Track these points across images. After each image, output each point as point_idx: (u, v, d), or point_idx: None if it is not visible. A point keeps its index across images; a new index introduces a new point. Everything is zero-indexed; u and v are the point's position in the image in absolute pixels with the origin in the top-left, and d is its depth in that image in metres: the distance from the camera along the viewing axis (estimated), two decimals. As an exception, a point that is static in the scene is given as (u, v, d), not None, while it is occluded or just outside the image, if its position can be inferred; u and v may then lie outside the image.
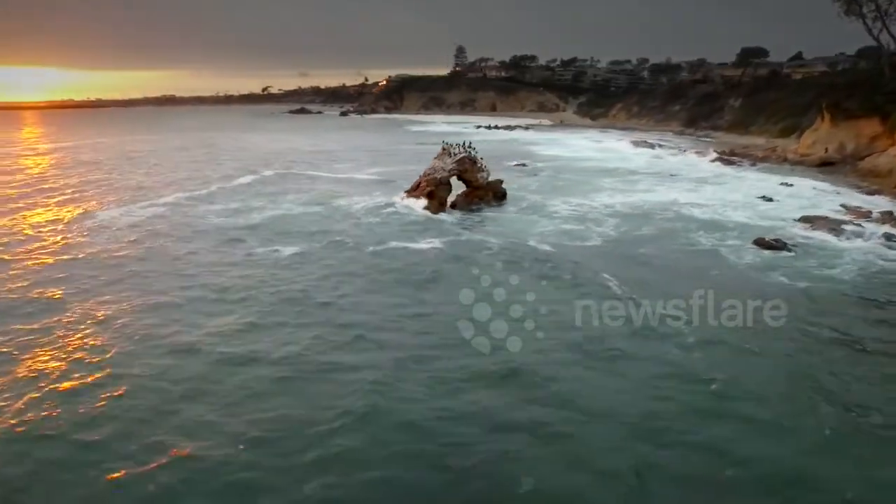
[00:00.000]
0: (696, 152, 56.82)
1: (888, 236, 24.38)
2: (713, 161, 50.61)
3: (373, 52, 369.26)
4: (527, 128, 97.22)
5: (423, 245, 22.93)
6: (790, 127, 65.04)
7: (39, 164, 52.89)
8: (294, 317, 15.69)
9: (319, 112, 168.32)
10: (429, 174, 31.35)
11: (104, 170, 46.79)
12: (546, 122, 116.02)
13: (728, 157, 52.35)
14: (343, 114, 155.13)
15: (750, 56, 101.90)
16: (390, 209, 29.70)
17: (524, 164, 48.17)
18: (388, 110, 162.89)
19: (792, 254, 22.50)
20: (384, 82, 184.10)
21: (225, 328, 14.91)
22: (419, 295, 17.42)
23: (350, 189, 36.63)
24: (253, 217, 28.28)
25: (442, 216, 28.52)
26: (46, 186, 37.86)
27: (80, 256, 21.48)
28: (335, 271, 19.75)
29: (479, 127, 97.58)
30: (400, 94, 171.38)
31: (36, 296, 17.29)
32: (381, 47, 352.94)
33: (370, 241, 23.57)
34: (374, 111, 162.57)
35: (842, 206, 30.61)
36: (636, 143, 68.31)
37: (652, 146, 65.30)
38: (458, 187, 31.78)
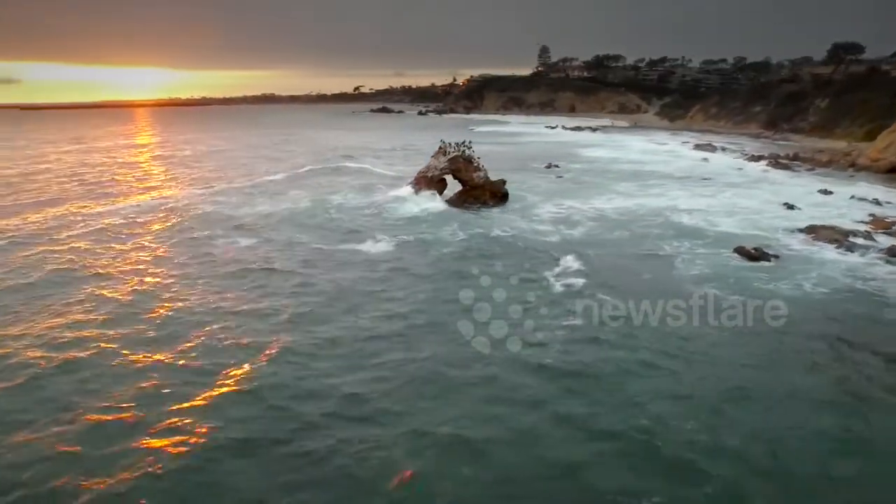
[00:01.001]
0: (753, 156, 52.86)
1: (893, 251, 21.71)
2: (764, 165, 46.95)
3: (464, 52, 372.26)
4: (595, 129, 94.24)
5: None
6: (876, 130, 58.90)
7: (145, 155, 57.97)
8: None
9: (400, 111, 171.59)
10: (423, 172, 31.36)
11: (216, 159, 50.58)
12: (622, 123, 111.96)
13: (785, 162, 48.38)
14: (421, 113, 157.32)
15: (843, 52, 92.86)
16: (379, 205, 30.12)
17: (556, 166, 46.85)
18: (468, 110, 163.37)
19: (770, 264, 20.72)
20: (464, 82, 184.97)
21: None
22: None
23: (355, 182, 37.59)
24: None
25: (420, 212, 28.44)
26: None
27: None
28: (258, 258, 20.37)
29: (547, 127, 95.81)
30: (480, 94, 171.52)
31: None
32: (471, 47, 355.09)
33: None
34: (452, 111, 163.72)
35: (871, 215, 27.54)
36: (699, 147, 64.54)
37: (714, 149, 61.46)
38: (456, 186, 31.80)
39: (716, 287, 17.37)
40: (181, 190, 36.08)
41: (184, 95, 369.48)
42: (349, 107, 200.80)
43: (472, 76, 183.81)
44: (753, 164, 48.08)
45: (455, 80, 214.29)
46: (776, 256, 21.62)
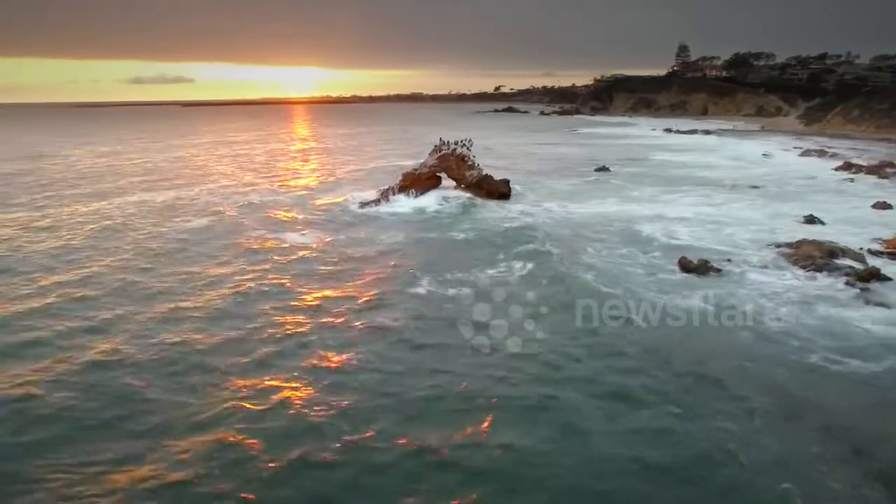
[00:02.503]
0: (851, 164, 46.22)
1: (863, 275, 18.41)
2: (837, 170, 41.66)
3: (611, 51, 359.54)
4: (711, 132, 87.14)
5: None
6: None
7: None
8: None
9: (525, 112, 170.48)
10: (412, 171, 31.72)
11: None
12: (752, 127, 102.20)
13: (875, 168, 41.97)
14: (543, 113, 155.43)
15: None
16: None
17: (606, 169, 44.65)
18: (595, 111, 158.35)
19: (699, 279, 18.75)
20: (594, 82, 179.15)
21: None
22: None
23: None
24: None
25: (400, 208, 28.85)
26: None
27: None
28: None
29: (653, 130, 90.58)
30: (609, 95, 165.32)
31: None
32: (618, 47, 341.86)
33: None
34: (578, 112, 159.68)
35: (878, 239, 23.27)
36: (807, 153, 57.50)
37: (822, 155, 54.55)
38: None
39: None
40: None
41: (335, 94, 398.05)
42: (480, 106, 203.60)
43: (602, 75, 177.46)
44: (844, 171, 42.14)
45: (596, 79, 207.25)
46: (718, 270, 19.37)
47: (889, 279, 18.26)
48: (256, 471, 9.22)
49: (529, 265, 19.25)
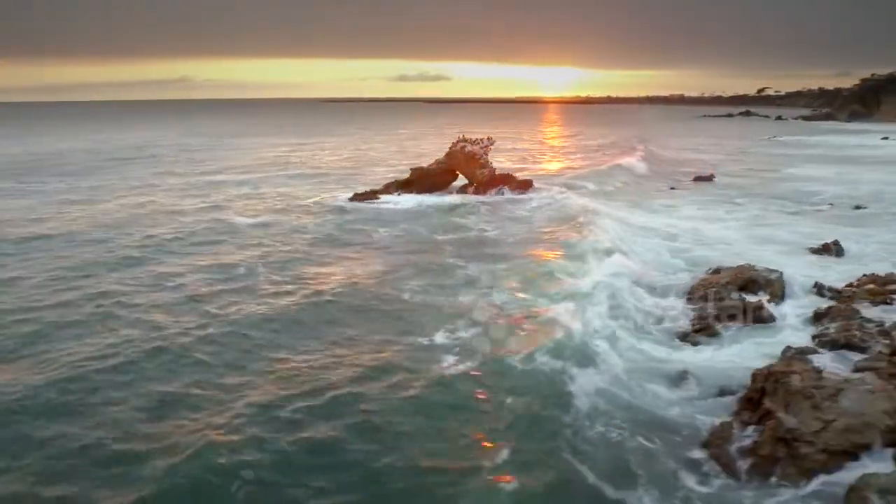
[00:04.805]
0: None
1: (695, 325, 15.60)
2: None
3: None
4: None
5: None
6: None
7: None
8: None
9: (766, 116, 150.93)
10: (420, 167, 32.99)
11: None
12: None
13: None
14: (780, 118, 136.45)
15: None
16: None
17: (712, 178, 40.30)
18: (855, 116, 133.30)
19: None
20: (859, 82, 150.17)
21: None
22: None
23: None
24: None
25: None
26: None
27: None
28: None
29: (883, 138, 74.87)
30: (877, 98, 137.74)
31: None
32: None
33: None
34: (830, 117, 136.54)
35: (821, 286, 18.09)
36: None
37: None
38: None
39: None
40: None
41: (591, 94, 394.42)
42: (716, 110, 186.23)
43: (873, 74, 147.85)
44: None
45: (867, 78, 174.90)
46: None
47: None
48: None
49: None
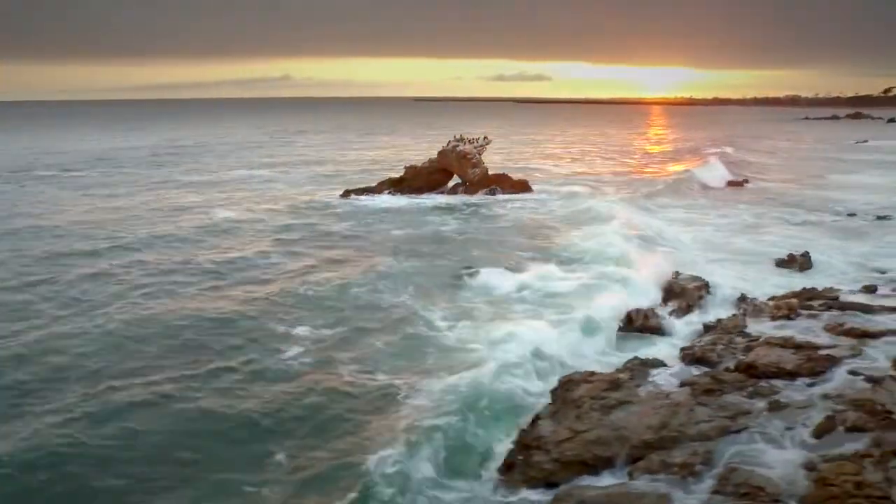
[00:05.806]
0: None
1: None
2: None
3: None
4: None
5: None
6: None
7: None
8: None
9: (879, 118, 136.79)
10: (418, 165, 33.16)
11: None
12: None
13: None
14: (892, 121, 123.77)
15: None
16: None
17: (744, 183, 37.96)
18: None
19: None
20: None
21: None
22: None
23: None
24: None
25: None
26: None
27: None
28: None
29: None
30: None
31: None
32: None
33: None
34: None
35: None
36: None
37: None
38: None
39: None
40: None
41: (699, 95, 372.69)
42: (822, 111, 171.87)
43: None
44: None
45: None
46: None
47: None
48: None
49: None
